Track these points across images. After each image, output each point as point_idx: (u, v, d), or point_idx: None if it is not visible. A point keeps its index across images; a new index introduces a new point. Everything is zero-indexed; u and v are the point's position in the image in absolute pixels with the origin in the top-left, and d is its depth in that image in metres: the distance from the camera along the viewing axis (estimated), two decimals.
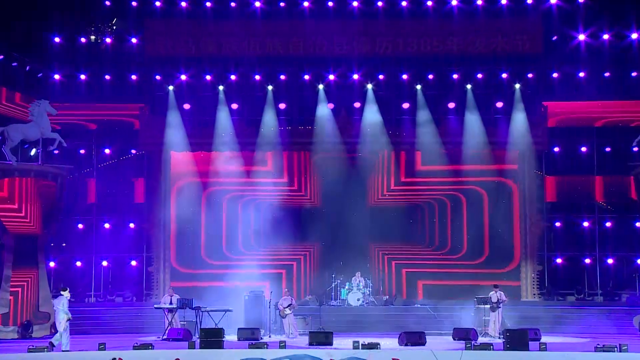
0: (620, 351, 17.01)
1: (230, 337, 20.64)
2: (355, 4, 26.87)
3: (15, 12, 24.34)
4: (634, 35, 25.76)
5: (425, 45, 27.02)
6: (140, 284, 27.75)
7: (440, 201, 28.08)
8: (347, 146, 27.56)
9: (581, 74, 26.51)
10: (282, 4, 26.99)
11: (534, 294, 27.07)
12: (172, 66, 27.03)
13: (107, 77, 26.85)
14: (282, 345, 17.81)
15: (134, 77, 26.92)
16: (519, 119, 26.89)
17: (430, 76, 27.08)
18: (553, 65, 26.61)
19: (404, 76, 27.11)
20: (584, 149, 27.51)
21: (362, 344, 17.61)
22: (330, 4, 26.92)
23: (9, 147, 23.15)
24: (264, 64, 27.06)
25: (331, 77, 27.18)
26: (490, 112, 27.28)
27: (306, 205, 28.19)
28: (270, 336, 21.93)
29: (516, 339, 17.55)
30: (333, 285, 26.72)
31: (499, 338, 20.74)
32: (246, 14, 27.05)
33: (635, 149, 25.90)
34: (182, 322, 22.39)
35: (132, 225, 27.62)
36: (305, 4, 26.90)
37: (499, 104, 27.21)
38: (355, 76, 27.19)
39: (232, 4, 26.98)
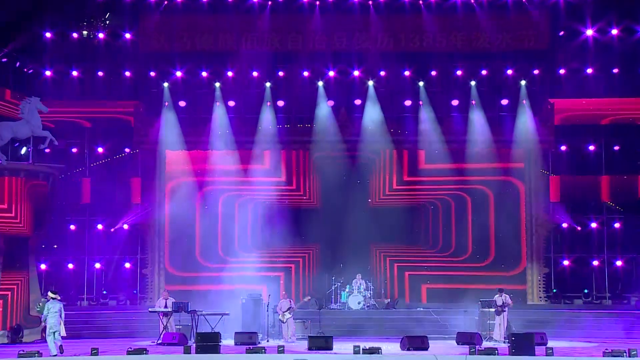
0: (629, 356, 16.99)
1: (227, 341, 20.65)
2: None
3: (5, 6, 24.31)
4: None
5: (428, 40, 27.04)
6: (134, 286, 27.74)
7: (444, 201, 28.08)
8: (347, 145, 27.57)
9: (589, 70, 26.54)
10: None
11: (541, 297, 27.09)
12: (167, 62, 27.05)
13: (100, 73, 26.88)
14: (281, 350, 17.80)
15: (127, 73, 26.93)
16: (525, 117, 26.91)
17: (433, 73, 27.09)
18: (560, 61, 26.63)
19: (406, 73, 27.12)
20: (591, 147, 27.48)
21: (362, 349, 17.60)
22: None
23: None
24: (262, 60, 27.05)
25: (331, 73, 27.19)
26: (495, 109, 27.32)
27: (305, 205, 28.18)
28: (268, 340, 21.92)
29: (522, 344, 17.54)
30: (333, 288, 26.71)
31: (504, 342, 20.74)
32: (243, 9, 27.06)
33: None
34: (178, 326, 22.37)
35: (125, 226, 27.60)
36: None
37: (504, 102, 27.26)
38: (356, 72, 27.21)
39: None
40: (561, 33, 26.79)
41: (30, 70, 26.36)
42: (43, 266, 26.61)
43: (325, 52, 27.10)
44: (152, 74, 27.07)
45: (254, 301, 23.55)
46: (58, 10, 26.16)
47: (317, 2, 26.88)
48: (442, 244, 27.99)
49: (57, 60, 26.64)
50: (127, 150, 27.89)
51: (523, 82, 26.87)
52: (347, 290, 26.25)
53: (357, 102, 27.53)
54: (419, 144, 27.59)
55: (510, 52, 26.76)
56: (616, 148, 27.43)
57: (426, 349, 19.16)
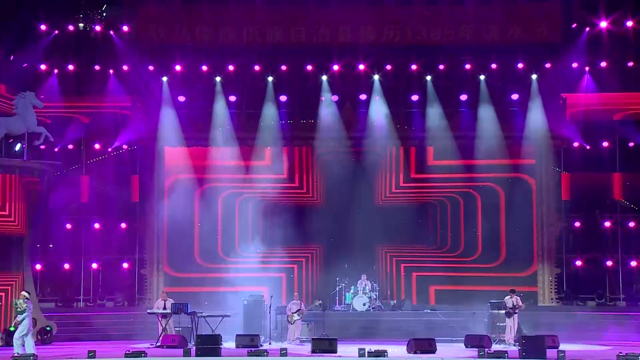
0: None
1: (228, 344, 20.70)
2: None
3: None
4: None
5: (436, 33, 26.98)
6: (132, 287, 27.75)
7: (453, 199, 28.06)
8: (352, 141, 27.56)
9: (603, 64, 26.47)
10: None
11: (552, 299, 27.05)
12: (165, 55, 27.02)
13: (97, 67, 26.87)
14: (284, 352, 17.84)
15: (125, 67, 26.91)
16: (536, 112, 26.86)
17: (441, 66, 27.04)
18: (573, 54, 26.53)
19: (413, 66, 27.07)
20: (605, 143, 27.42)
21: (368, 352, 17.62)
22: None
23: None
24: (264, 54, 27.07)
25: (335, 67, 27.16)
26: (506, 104, 27.26)
27: (308, 203, 28.19)
28: (270, 343, 21.95)
29: (533, 347, 17.56)
30: (337, 289, 26.72)
31: (515, 345, 20.75)
32: (245, 0, 27.02)
33: None
34: (177, 328, 22.41)
35: (123, 225, 27.62)
36: None
37: (515, 96, 27.18)
38: (361, 66, 27.17)
39: None
40: (574, 25, 26.70)
41: (25, 64, 26.37)
42: (38, 266, 26.61)
43: (329, 45, 27.05)
44: (151, 67, 27.04)
45: (256, 302, 23.59)
46: (52, 2, 26.15)
47: None
48: (450, 243, 27.98)
49: (53, 53, 26.64)
50: (124, 146, 27.91)
51: (534, 76, 26.81)
52: (351, 291, 26.25)
53: (363, 97, 27.48)
54: (427, 140, 27.58)
55: (521, 45, 26.66)
56: (631, 145, 27.36)
57: (433, 352, 19.19)
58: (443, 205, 28.15)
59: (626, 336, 23.28)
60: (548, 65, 26.76)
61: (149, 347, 20.61)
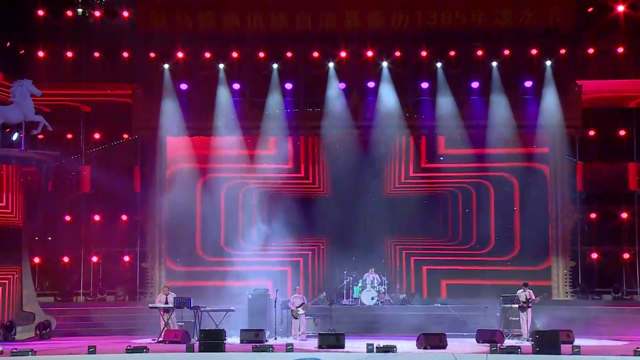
0: None
1: (233, 339, 20.72)
2: None
3: None
4: None
5: (447, 18, 26.89)
6: (134, 281, 27.81)
7: (464, 190, 28.01)
8: (359, 130, 27.49)
9: (619, 50, 26.31)
10: None
11: (567, 293, 27.01)
12: (167, 42, 26.96)
13: (96, 54, 26.85)
14: (289, 348, 17.84)
15: (125, 54, 26.88)
16: (550, 100, 26.73)
17: (452, 53, 26.94)
18: (588, 40, 26.42)
19: (423, 53, 26.98)
20: (621, 132, 27.31)
21: (376, 347, 17.62)
22: None
23: None
24: (269, 40, 27.01)
25: (342, 54, 27.09)
26: (518, 92, 27.16)
27: (315, 194, 28.19)
28: (276, 338, 21.96)
29: (547, 342, 17.52)
30: (345, 282, 26.72)
31: (528, 340, 20.73)
32: None
33: None
34: (180, 323, 22.43)
35: (124, 217, 27.64)
36: None
37: (528, 83, 27.07)
38: (369, 53, 27.09)
39: None
40: (590, 9, 26.58)
41: (22, 51, 26.36)
42: (37, 259, 26.69)
43: (336, 32, 26.98)
44: (152, 54, 27.01)
45: (261, 297, 23.60)
46: None
47: None
48: (462, 236, 27.94)
49: (51, 40, 26.62)
50: (125, 136, 27.89)
51: (548, 63, 26.67)
52: (359, 285, 26.25)
53: (371, 84, 27.38)
54: (437, 129, 27.50)
55: (535, 31, 26.54)
56: None
57: (444, 347, 19.16)
58: (454, 195, 28.10)
59: None
60: (562, 51, 26.64)
61: (151, 343, 20.63)
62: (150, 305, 23.05)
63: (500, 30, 26.70)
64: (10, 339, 22.18)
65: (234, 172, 27.72)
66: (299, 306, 22.48)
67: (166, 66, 27.10)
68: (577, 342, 19.43)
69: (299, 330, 22.32)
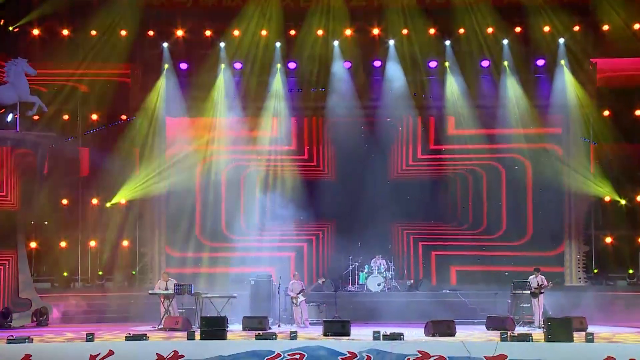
0: None
1: (235, 326, 20.75)
2: None
3: None
4: None
5: None
6: (133, 267, 27.84)
7: (474, 172, 27.97)
8: (365, 111, 27.54)
9: (636, 26, 26.17)
10: None
11: (580, 278, 27.00)
12: (166, 20, 26.93)
13: (93, 32, 26.77)
14: (293, 335, 17.83)
15: (123, 32, 26.80)
16: (563, 79, 26.70)
17: (461, 30, 26.86)
18: (603, 16, 26.28)
19: (431, 30, 26.92)
20: (638, 112, 27.20)
21: (383, 335, 17.60)
22: None
23: None
24: (271, 18, 26.90)
25: (348, 31, 27.02)
26: (530, 70, 27.09)
27: (319, 177, 28.19)
28: (279, 326, 22.02)
29: (559, 329, 17.47)
30: (350, 268, 26.77)
31: (540, 328, 20.73)
32: None
33: None
34: (180, 310, 22.51)
35: (122, 201, 27.65)
36: None
37: (540, 62, 27.04)
38: (375, 31, 27.03)
39: None
40: None
41: (16, 29, 26.30)
42: (33, 244, 26.72)
43: (341, 8, 26.87)
44: (151, 33, 27.01)
45: (264, 283, 23.64)
46: None
47: None
48: (472, 220, 27.93)
49: (46, 18, 26.54)
50: (123, 117, 27.85)
51: (562, 40, 26.61)
52: (365, 270, 26.30)
53: (377, 63, 27.41)
54: (446, 110, 27.45)
55: (548, 7, 26.42)
56: None
57: (453, 334, 19.18)
58: (464, 178, 28.06)
59: None
60: (577, 28, 26.56)
61: (150, 330, 20.70)
62: (150, 291, 23.10)
63: (511, 6, 26.59)
64: (6, 326, 22.26)
65: (235, 154, 27.71)
66: (299, 293, 22.50)
67: (165, 45, 27.07)
68: (590, 329, 19.45)
69: (302, 317, 22.34)
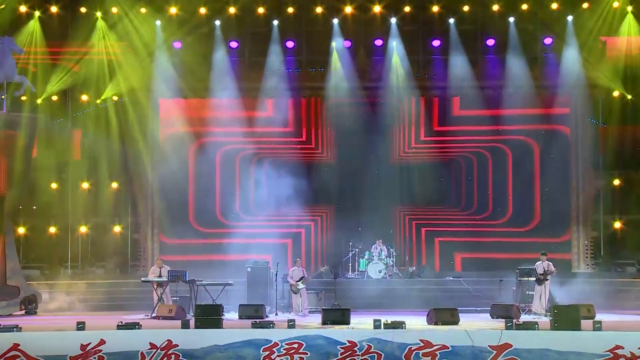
0: None
1: (231, 315, 20.76)
2: None
3: None
4: None
5: None
6: (125, 253, 27.85)
7: (479, 155, 27.92)
8: (366, 91, 27.50)
9: None
10: None
11: (588, 265, 27.02)
12: None
13: (83, 9, 26.67)
14: (291, 324, 17.83)
15: (114, 10, 26.69)
16: (571, 57, 26.64)
17: (465, 8, 26.86)
18: None
19: (435, 8, 26.93)
20: None
21: (384, 323, 17.60)
22: None
23: None
24: None
25: (348, 9, 26.98)
26: (537, 49, 27.05)
27: (318, 160, 28.16)
28: (277, 314, 22.02)
29: (566, 317, 17.47)
30: (350, 254, 26.77)
31: (546, 315, 20.74)
32: None
33: None
34: (174, 298, 22.51)
35: (114, 184, 27.60)
36: None
37: (548, 40, 27.00)
38: (377, 8, 26.98)
39: None
40: None
41: (2, 6, 26.17)
42: (21, 230, 26.71)
43: None
44: (143, 10, 26.88)
45: (261, 270, 23.64)
46: None
47: None
48: (477, 205, 27.90)
49: None
50: (114, 98, 27.75)
51: (570, 18, 26.53)
52: (366, 257, 26.29)
53: (378, 42, 27.36)
54: (450, 90, 27.41)
55: None
56: None
57: (456, 323, 19.18)
58: (469, 161, 28.02)
59: None
60: (585, 5, 26.46)
61: (143, 319, 20.67)
62: (143, 279, 23.07)
63: None
64: None
65: (230, 136, 27.65)
66: (299, 280, 22.49)
67: (159, 23, 26.97)
68: (598, 317, 19.42)
69: (301, 306, 22.35)
